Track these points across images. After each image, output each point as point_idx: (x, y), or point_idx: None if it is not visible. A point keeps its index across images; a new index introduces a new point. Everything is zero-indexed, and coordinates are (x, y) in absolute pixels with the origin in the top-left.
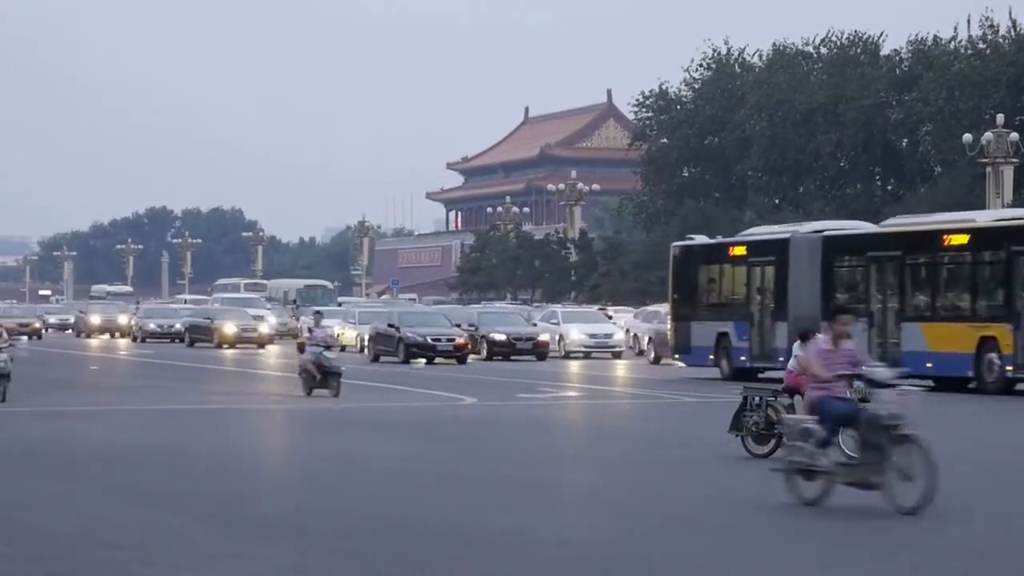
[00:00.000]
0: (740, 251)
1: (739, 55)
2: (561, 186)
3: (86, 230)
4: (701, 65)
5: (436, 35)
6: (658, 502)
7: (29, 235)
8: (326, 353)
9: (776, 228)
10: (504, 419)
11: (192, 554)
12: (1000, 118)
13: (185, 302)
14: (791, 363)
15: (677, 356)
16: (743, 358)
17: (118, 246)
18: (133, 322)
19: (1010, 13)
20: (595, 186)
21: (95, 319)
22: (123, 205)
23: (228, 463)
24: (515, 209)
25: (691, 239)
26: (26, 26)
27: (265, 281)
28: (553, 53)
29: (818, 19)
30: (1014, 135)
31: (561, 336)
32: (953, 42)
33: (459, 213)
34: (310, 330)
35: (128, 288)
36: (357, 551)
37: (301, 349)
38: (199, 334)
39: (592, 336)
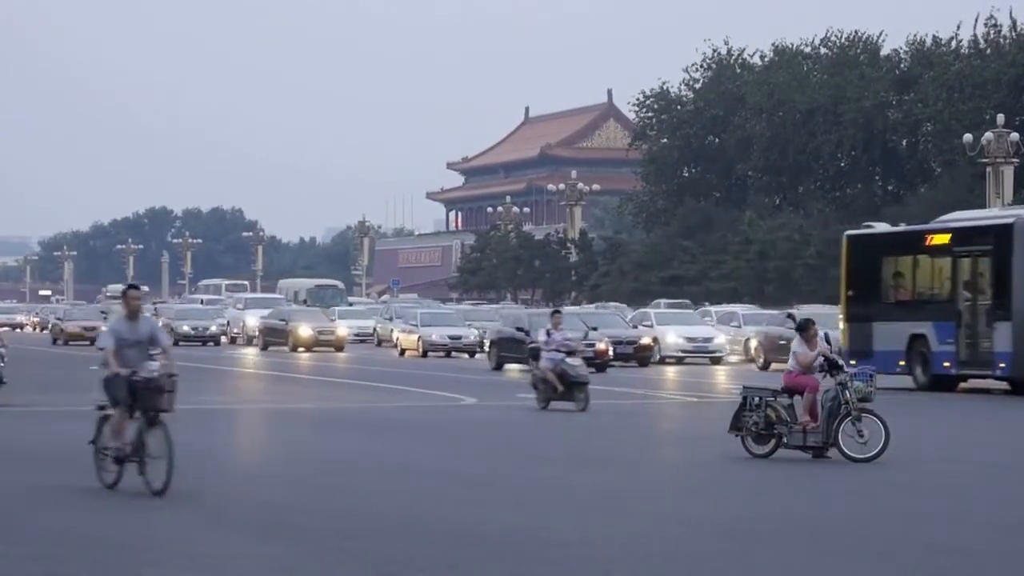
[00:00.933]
0: (942, 239)
1: (739, 55)
2: (561, 186)
3: (86, 230)
4: (701, 66)
5: (436, 35)
6: (657, 502)
7: (29, 235)
8: (569, 360)
9: (984, 212)
10: (504, 419)
11: (194, 554)
12: (1000, 118)
13: (202, 302)
14: (790, 363)
15: (854, 362)
16: (946, 364)
17: (118, 246)
18: (162, 323)
19: (1011, 13)
20: (595, 186)
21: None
22: (123, 205)
23: (227, 463)
24: (515, 209)
25: (870, 227)
26: (26, 26)
27: (246, 281)
28: (553, 53)
29: (817, 19)
30: (1014, 135)
31: (656, 340)
32: (953, 42)
33: (459, 213)
34: (548, 333)
35: (143, 288)
36: (358, 551)
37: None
38: (274, 337)
39: (690, 339)
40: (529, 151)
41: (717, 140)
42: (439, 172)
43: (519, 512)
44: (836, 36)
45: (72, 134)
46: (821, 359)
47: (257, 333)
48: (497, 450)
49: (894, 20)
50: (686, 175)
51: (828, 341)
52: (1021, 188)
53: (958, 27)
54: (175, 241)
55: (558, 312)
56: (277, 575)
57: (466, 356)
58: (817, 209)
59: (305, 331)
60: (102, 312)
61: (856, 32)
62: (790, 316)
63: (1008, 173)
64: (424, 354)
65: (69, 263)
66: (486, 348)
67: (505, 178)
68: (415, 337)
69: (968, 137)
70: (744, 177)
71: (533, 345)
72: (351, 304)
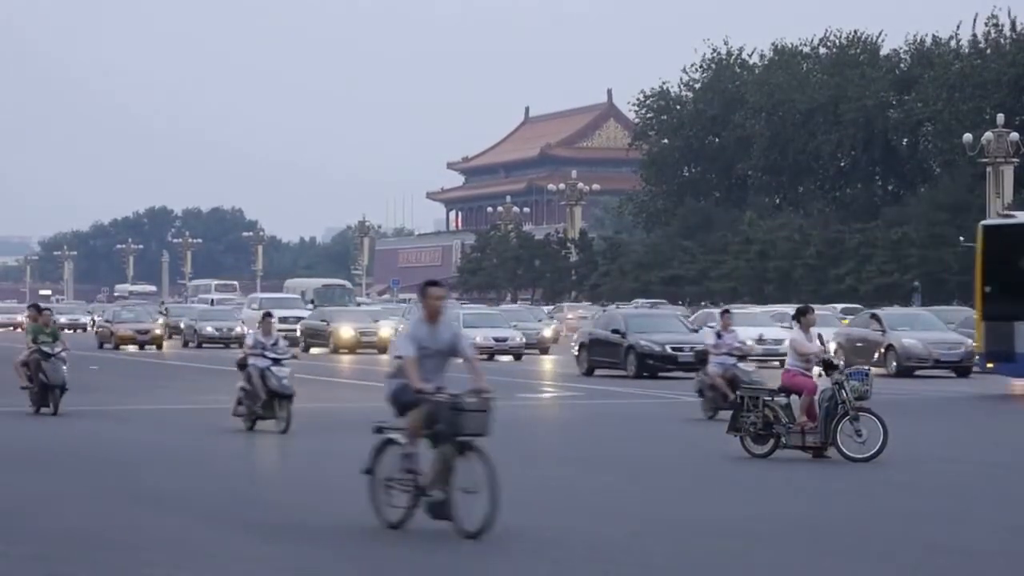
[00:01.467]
0: None
1: (738, 55)
2: (561, 186)
3: (86, 230)
4: (701, 66)
5: (436, 35)
6: (657, 502)
7: (29, 235)
8: (741, 365)
9: None
10: (504, 419)
11: (195, 554)
12: (1000, 118)
13: (212, 303)
14: (788, 362)
15: (991, 365)
16: None
17: (118, 246)
18: (183, 325)
19: (1009, 13)
20: (595, 186)
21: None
22: (123, 205)
23: (231, 464)
24: (515, 209)
25: (1010, 215)
26: (26, 26)
27: (234, 281)
28: (553, 53)
29: (817, 19)
30: (1014, 135)
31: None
32: (953, 42)
33: (459, 213)
34: (718, 335)
35: (152, 287)
36: (359, 551)
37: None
38: (315, 338)
39: (760, 342)
40: (529, 151)
41: (717, 140)
42: (439, 172)
43: (519, 512)
44: (835, 36)
45: (72, 134)
46: (819, 346)
47: (299, 335)
48: (497, 450)
49: (894, 20)
50: (686, 175)
51: (821, 341)
52: (1021, 188)
53: (957, 27)
54: (175, 241)
55: (728, 312)
56: (277, 575)
57: (511, 359)
58: (817, 209)
59: (347, 332)
60: (161, 312)
61: (855, 32)
62: (874, 317)
63: (1008, 173)
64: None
65: (69, 263)
66: (574, 351)
67: (505, 178)
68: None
69: (968, 137)
70: (744, 177)
71: (700, 348)
72: (359, 304)
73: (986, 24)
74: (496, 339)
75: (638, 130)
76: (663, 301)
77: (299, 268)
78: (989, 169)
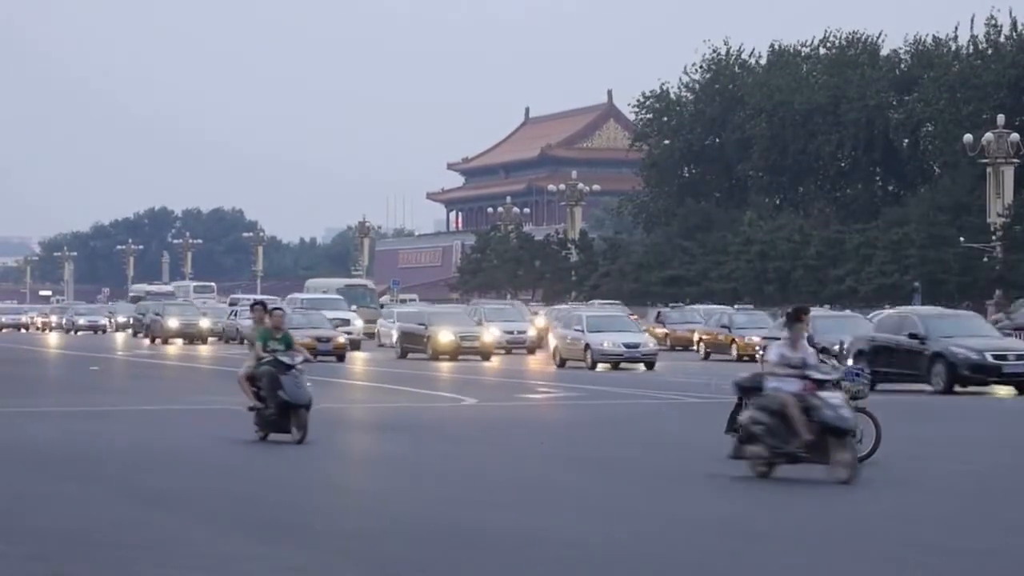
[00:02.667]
0: None
1: (737, 55)
2: (562, 186)
3: (87, 231)
4: (701, 66)
5: (436, 35)
6: (657, 502)
7: (29, 235)
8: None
9: None
10: (504, 419)
11: (195, 554)
12: (1001, 118)
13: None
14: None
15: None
16: None
17: (118, 246)
18: (221, 327)
19: (1010, 14)
20: (595, 186)
21: (172, 323)
22: (123, 205)
23: (228, 463)
24: (516, 209)
25: None
26: (27, 26)
27: (212, 283)
28: (553, 53)
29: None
30: (1014, 135)
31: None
32: (953, 42)
33: (460, 213)
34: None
35: (169, 287)
36: (359, 551)
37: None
38: (412, 343)
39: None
40: (529, 151)
41: (717, 140)
42: (439, 172)
43: (519, 512)
44: (835, 36)
45: (73, 134)
46: (811, 350)
47: (395, 339)
48: (497, 450)
49: (893, 20)
50: (686, 176)
51: (812, 344)
52: (1021, 188)
53: (956, 27)
54: (175, 242)
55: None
56: (277, 575)
57: (643, 368)
58: (817, 209)
59: (446, 336)
60: (230, 312)
61: (855, 32)
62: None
63: (1008, 173)
64: (593, 366)
65: (69, 264)
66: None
67: (505, 178)
68: (581, 345)
69: (968, 137)
70: (744, 177)
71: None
72: (382, 306)
73: (985, 24)
74: (627, 345)
75: (638, 131)
76: (616, 303)
77: (299, 269)
78: (989, 170)
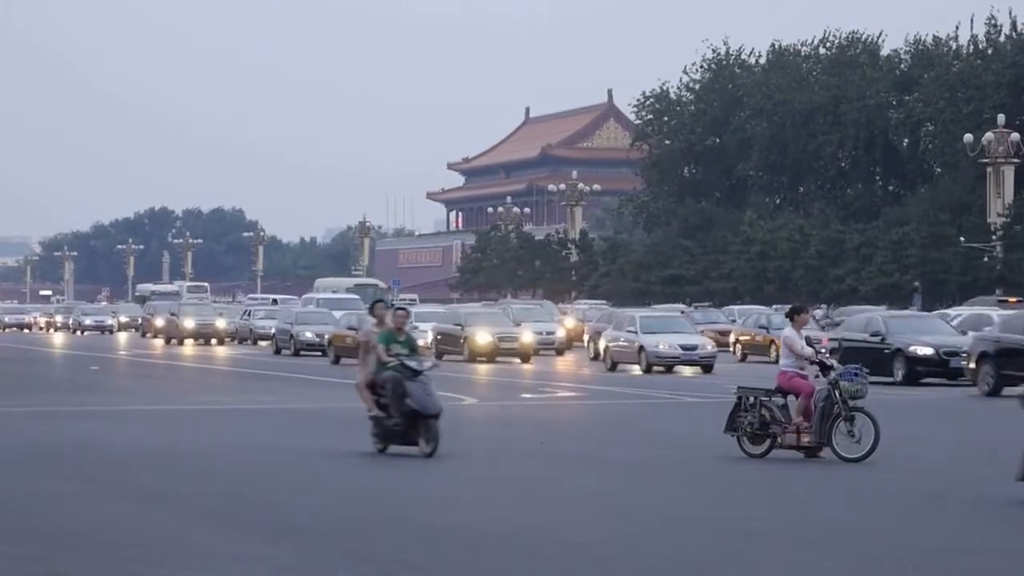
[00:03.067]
0: None
1: (737, 55)
2: (562, 186)
3: (87, 230)
4: (701, 66)
5: (437, 35)
6: (656, 502)
7: (30, 235)
8: None
9: None
10: (505, 419)
11: (195, 554)
12: (1001, 118)
13: (273, 302)
14: (783, 362)
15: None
16: None
17: (119, 246)
18: (234, 327)
19: (1010, 14)
20: (596, 186)
21: (189, 323)
22: (124, 205)
23: (231, 464)
24: (516, 209)
25: None
26: (27, 25)
27: (205, 283)
28: (554, 53)
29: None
30: (1015, 135)
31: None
32: (953, 42)
33: (460, 213)
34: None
35: (173, 287)
36: (359, 551)
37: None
38: (449, 345)
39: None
40: (529, 151)
41: (718, 140)
42: (440, 172)
43: (519, 512)
44: (835, 36)
45: (73, 134)
46: (811, 350)
47: (430, 340)
48: (497, 450)
49: (893, 20)
50: (686, 176)
51: (810, 343)
52: (1021, 188)
53: (957, 27)
54: (176, 241)
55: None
56: (277, 575)
57: (699, 371)
58: (817, 209)
59: (484, 338)
60: (244, 312)
61: (855, 32)
62: None
63: (1008, 173)
64: (648, 369)
65: (70, 263)
66: (969, 364)
67: (505, 178)
68: (634, 348)
69: (969, 137)
70: (745, 177)
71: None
72: (391, 304)
73: (985, 24)
74: (683, 347)
75: (638, 131)
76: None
77: (299, 268)
78: (990, 169)
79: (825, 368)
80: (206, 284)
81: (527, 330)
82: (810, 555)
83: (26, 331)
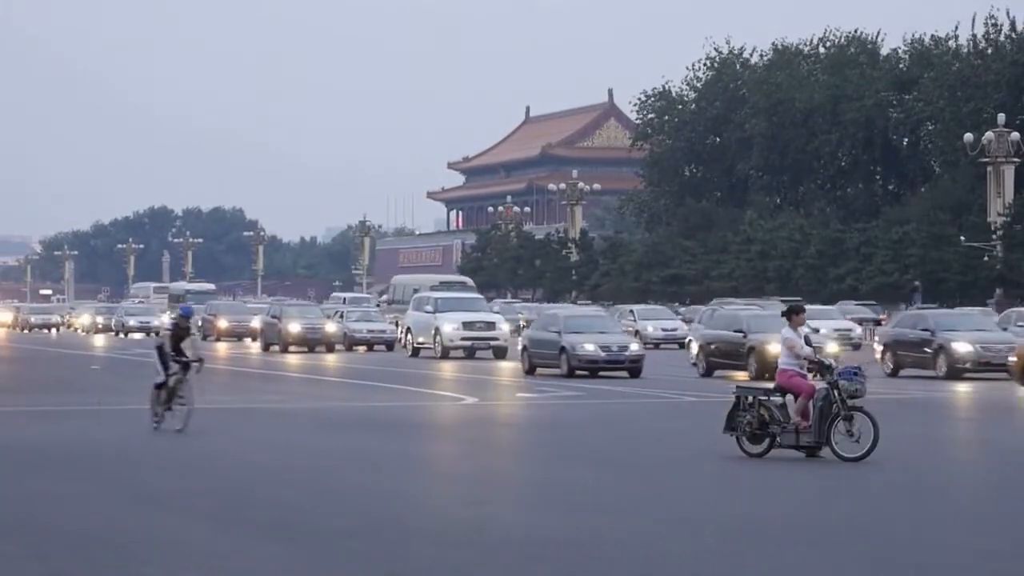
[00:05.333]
0: None
1: (739, 54)
2: (562, 186)
3: (87, 230)
4: (704, 64)
5: (437, 35)
6: (656, 502)
7: (30, 235)
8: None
9: None
10: (505, 419)
11: (195, 554)
12: (1001, 118)
13: (344, 300)
14: (782, 362)
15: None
16: None
17: (119, 246)
18: (332, 328)
19: (1008, 14)
20: (596, 185)
21: (294, 327)
22: (124, 205)
23: (231, 464)
24: (516, 209)
25: None
26: (27, 26)
27: (168, 284)
28: (554, 53)
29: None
30: (1015, 135)
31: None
32: (952, 41)
33: (460, 213)
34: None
35: (210, 285)
36: (359, 551)
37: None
38: (730, 358)
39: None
40: (530, 151)
41: (718, 140)
42: (440, 172)
43: (519, 512)
44: (835, 36)
45: (73, 133)
46: (809, 349)
47: (695, 353)
48: (497, 450)
49: (893, 20)
50: (687, 175)
51: (809, 343)
52: (1022, 187)
53: (956, 27)
54: (176, 241)
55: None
56: (277, 575)
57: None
58: (817, 209)
59: (775, 350)
60: (381, 302)
61: (855, 32)
62: None
63: (1009, 172)
64: (571, 372)
65: (70, 263)
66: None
67: (506, 178)
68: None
69: (969, 137)
70: (745, 177)
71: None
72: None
73: (984, 24)
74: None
75: (639, 130)
76: (589, 303)
77: (299, 268)
78: (990, 169)
79: (823, 368)
80: (167, 286)
81: (830, 344)
82: (810, 555)
83: (53, 332)
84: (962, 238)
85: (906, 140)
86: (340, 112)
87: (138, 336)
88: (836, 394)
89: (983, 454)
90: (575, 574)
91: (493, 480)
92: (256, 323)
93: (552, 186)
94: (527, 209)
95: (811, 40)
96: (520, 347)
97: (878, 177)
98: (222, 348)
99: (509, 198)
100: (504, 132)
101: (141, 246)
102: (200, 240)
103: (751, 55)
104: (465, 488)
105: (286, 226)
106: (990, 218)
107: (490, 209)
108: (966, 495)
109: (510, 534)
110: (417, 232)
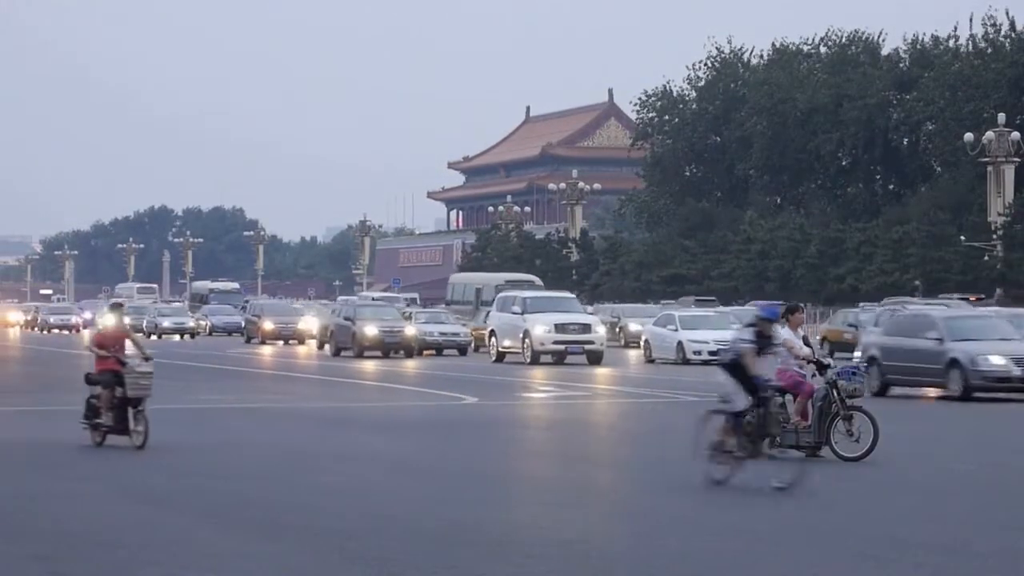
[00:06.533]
0: None
1: (739, 54)
2: (562, 185)
3: (87, 229)
4: (705, 63)
5: (438, 34)
6: (656, 501)
7: (30, 234)
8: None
9: None
10: (505, 419)
11: (196, 554)
12: (1001, 117)
13: (373, 299)
14: (781, 362)
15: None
16: None
17: (119, 245)
18: (410, 331)
19: (1007, 14)
20: (596, 185)
21: (371, 330)
22: (124, 204)
23: (231, 464)
24: (516, 208)
25: None
26: (28, 25)
27: (154, 285)
28: (554, 53)
29: (817, 18)
30: (1015, 134)
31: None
32: (952, 41)
33: (460, 212)
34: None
35: (235, 284)
36: (359, 551)
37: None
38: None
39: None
40: (530, 150)
41: (719, 139)
42: (440, 171)
43: (519, 512)
44: (836, 36)
45: (73, 133)
46: (807, 349)
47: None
48: (497, 449)
49: (893, 19)
50: (687, 175)
51: (808, 343)
52: (1022, 187)
53: (956, 27)
54: (176, 240)
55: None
56: (277, 575)
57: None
58: (818, 208)
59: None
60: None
61: (856, 31)
62: None
63: (1009, 172)
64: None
65: (70, 262)
66: None
67: (506, 177)
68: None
69: (969, 136)
70: (745, 177)
71: None
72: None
73: (984, 24)
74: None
75: (639, 130)
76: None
77: (300, 267)
78: (990, 168)
79: (822, 367)
80: (155, 286)
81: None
82: (810, 555)
83: (75, 333)
84: (962, 238)
85: (906, 140)
86: (340, 112)
87: (176, 338)
88: (835, 394)
89: (983, 455)
90: (575, 574)
91: (493, 480)
92: (304, 324)
93: (552, 186)
94: (527, 209)
95: (812, 40)
96: (642, 340)
97: (878, 177)
98: (267, 352)
99: (509, 198)
100: (504, 132)
101: (141, 246)
102: (200, 240)
103: (752, 55)
104: (466, 487)
105: (286, 226)
106: (990, 218)
107: (490, 209)
108: (966, 495)
109: (510, 534)
110: (417, 232)
